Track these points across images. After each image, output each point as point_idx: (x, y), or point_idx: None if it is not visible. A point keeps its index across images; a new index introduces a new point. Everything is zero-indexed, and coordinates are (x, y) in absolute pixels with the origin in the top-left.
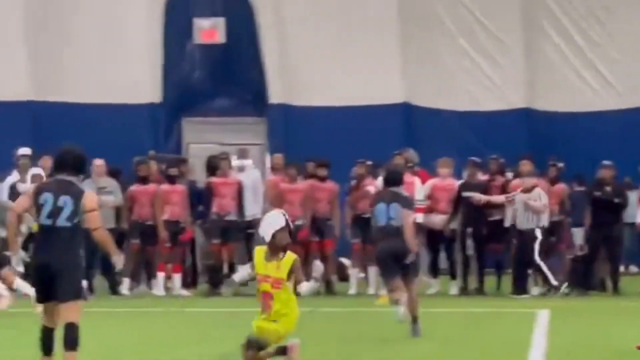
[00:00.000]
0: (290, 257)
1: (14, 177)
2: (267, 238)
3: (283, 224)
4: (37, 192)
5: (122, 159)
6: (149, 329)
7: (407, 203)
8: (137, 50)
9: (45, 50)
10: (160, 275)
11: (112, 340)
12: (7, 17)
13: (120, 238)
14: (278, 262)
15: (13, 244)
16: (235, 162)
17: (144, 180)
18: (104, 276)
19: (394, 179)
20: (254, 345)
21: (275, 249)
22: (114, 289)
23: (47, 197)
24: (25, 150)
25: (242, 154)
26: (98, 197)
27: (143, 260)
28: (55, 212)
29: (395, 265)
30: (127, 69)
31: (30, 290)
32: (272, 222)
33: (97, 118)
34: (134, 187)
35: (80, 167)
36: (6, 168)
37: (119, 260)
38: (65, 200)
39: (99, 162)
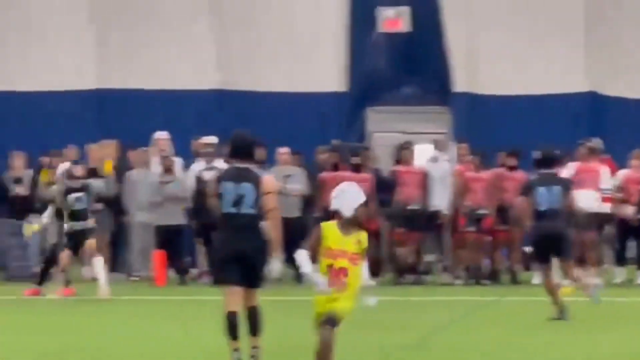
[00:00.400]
0: (363, 232)
1: (199, 165)
2: (349, 213)
3: (364, 198)
4: (218, 182)
5: (307, 148)
6: None
7: (568, 185)
8: (323, 39)
9: (234, 42)
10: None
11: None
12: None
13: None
14: (357, 237)
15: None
16: (430, 152)
17: (335, 167)
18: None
19: (548, 161)
20: (333, 323)
21: (355, 224)
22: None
23: (228, 186)
24: (210, 139)
25: (438, 145)
26: (283, 186)
27: None
28: (238, 199)
29: (552, 249)
30: (312, 59)
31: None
32: (355, 197)
33: (282, 107)
34: (325, 174)
35: (253, 152)
36: (189, 157)
37: (275, 264)
38: (246, 187)
39: (283, 150)
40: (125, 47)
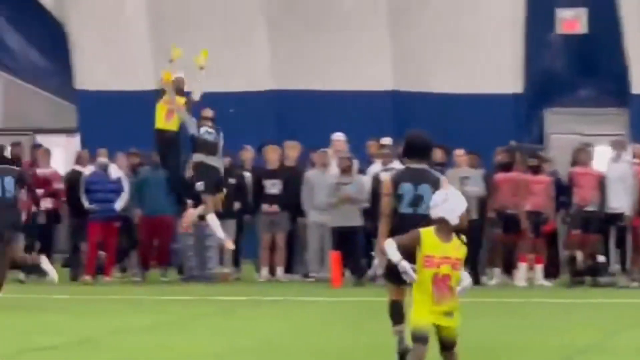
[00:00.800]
0: (462, 236)
1: (376, 166)
2: (456, 220)
3: (466, 204)
4: (396, 182)
5: (485, 149)
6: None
7: None
8: (499, 40)
9: (409, 43)
10: (522, 265)
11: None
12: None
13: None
14: (458, 242)
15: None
16: (608, 154)
17: (506, 167)
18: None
19: None
20: (426, 341)
21: (456, 230)
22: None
23: (407, 187)
24: (386, 140)
25: (617, 146)
26: (461, 188)
27: (506, 249)
28: (416, 200)
29: None
30: (489, 59)
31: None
32: (459, 204)
33: (457, 108)
34: (499, 175)
35: (429, 153)
36: (365, 158)
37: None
38: (425, 189)
39: (460, 152)
40: (302, 47)
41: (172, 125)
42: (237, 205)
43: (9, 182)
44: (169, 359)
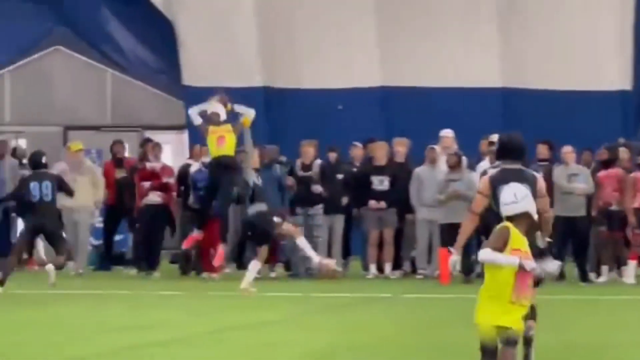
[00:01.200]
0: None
1: (485, 163)
2: (536, 216)
3: None
4: (494, 184)
5: (593, 147)
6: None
7: None
8: (609, 37)
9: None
10: (632, 263)
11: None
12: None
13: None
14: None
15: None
16: None
17: (608, 164)
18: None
19: None
20: (514, 343)
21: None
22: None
23: (503, 187)
24: (494, 137)
25: None
26: (568, 185)
27: (613, 246)
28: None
29: None
30: (598, 56)
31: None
32: (532, 199)
33: (566, 105)
34: (600, 173)
35: (522, 153)
36: (476, 155)
37: (550, 263)
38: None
39: (568, 149)
40: (411, 44)
41: (225, 150)
42: (345, 200)
43: (47, 186)
44: (285, 355)
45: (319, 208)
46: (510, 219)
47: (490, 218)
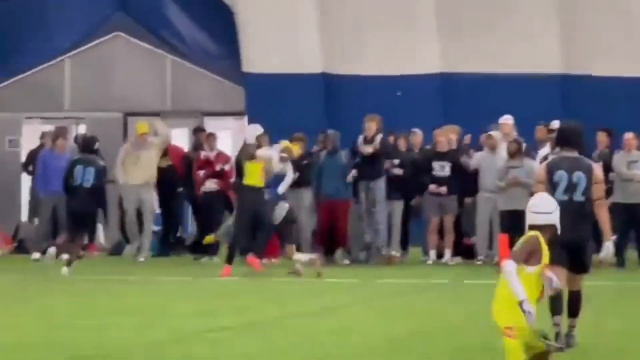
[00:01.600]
0: None
1: (545, 150)
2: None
3: None
4: (551, 170)
5: None
6: None
7: None
8: None
9: (577, 25)
10: None
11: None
12: None
13: None
14: None
15: None
16: None
17: None
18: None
19: None
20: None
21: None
22: None
23: (562, 175)
24: (555, 124)
25: None
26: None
27: None
28: (571, 187)
29: None
30: None
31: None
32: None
33: (624, 91)
34: None
35: (580, 142)
36: (532, 142)
37: (608, 249)
38: (579, 176)
39: (629, 136)
40: (470, 31)
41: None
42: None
43: (90, 172)
44: (360, 341)
45: (380, 182)
46: (537, 227)
47: None
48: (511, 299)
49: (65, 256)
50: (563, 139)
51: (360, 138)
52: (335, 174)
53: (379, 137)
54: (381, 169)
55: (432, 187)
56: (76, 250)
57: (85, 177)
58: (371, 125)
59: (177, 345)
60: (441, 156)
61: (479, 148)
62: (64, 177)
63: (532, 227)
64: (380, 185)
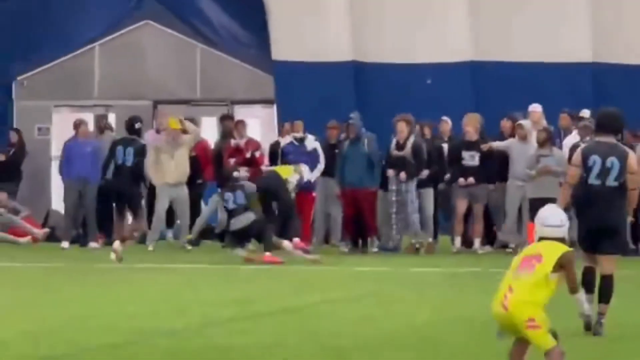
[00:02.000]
0: None
1: (572, 138)
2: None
3: None
4: (586, 154)
5: None
6: None
7: None
8: None
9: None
10: None
11: None
12: None
13: None
14: None
15: None
16: None
17: None
18: None
19: None
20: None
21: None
22: None
23: (596, 159)
24: (584, 113)
25: None
26: None
27: None
28: (604, 172)
29: None
30: None
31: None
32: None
33: None
34: None
35: (618, 128)
36: (556, 130)
37: None
38: (612, 162)
39: None
40: (500, 19)
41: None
42: (425, 173)
43: (129, 152)
44: (387, 328)
45: (411, 184)
46: (547, 240)
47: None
48: (525, 291)
49: (116, 244)
50: (600, 124)
51: (393, 142)
52: (358, 163)
53: (411, 140)
54: (412, 172)
55: (461, 181)
56: (129, 233)
57: (127, 157)
58: (402, 127)
59: (201, 332)
60: (470, 146)
61: (499, 137)
62: (104, 160)
63: (541, 239)
64: (410, 188)
